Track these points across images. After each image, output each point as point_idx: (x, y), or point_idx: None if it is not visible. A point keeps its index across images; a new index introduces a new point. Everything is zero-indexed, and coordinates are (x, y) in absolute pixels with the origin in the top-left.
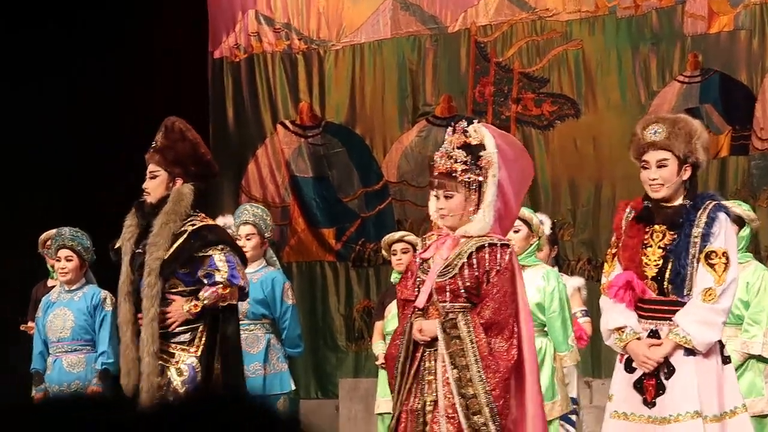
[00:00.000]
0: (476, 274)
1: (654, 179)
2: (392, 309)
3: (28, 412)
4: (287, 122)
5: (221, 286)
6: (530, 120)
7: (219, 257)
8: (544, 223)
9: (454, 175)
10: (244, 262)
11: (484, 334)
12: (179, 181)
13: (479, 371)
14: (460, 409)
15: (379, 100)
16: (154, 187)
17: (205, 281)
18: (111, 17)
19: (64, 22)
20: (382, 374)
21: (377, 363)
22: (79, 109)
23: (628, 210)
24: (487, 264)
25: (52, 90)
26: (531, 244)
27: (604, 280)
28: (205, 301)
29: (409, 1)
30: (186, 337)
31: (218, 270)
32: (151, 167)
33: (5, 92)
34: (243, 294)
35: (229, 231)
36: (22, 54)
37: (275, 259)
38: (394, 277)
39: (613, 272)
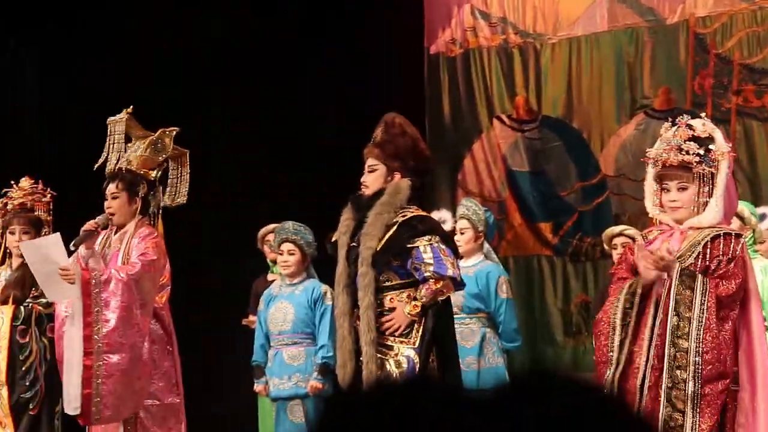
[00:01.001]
0: (709, 264)
1: None
2: None
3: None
4: (503, 116)
5: (432, 280)
6: (751, 112)
7: (424, 249)
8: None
9: (688, 167)
10: (456, 254)
11: (716, 302)
12: (397, 175)
13: (699, 330)
14: (667, 358)
15: (596, 94)
16: (372, 180)
17: (416, 275)
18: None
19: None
20: None
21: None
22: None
23: None
24: (721, 253)
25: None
26: (745, 237)
27: None
28: (423, 299)
29: None
30: (404, 328)
31: (424, 263)
32: (370, 161)
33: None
34: (458, 284)
35: (444, 225)
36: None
37: (494, 253)
38: None
39: None
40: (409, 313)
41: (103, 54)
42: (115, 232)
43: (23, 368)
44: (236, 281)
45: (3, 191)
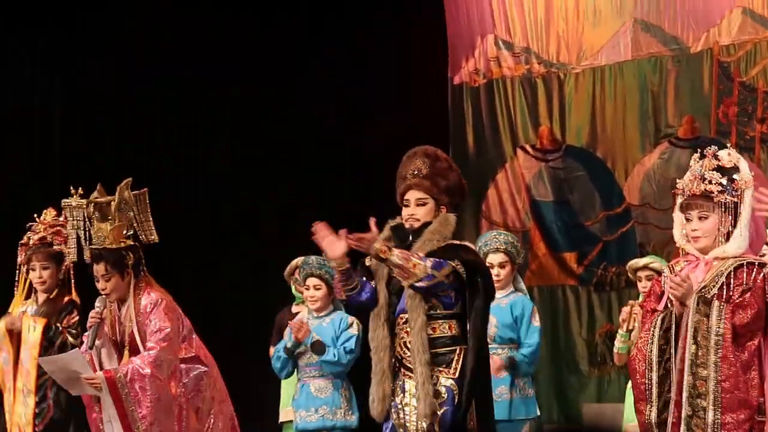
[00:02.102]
0: (732, 294)
1: None
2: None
3: None
4: (527, 146)
5: (419, 259)
6: None
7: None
8: None
9: (710, 196)
10: (489, 295)
11: (731, 329)
12: (444, 210)
13: (717, 358)
14: (687, 386)
15: (620, 123)
16: (423, 214)
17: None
18: (349, 38)
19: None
20: (629, 399)
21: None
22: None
23: None
24: (744, 283)
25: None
26: None
27: None
28: (396, 254)
29: (649, 23)
30: (443, 359)
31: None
32: (417, 194)
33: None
34: (417, 281)
35: None
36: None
37: (522, 284)
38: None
39: None
40: (378, 247)
41: (103, 54)
42: (119, 308)
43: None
44: (260, 312)
45: (28, 225)
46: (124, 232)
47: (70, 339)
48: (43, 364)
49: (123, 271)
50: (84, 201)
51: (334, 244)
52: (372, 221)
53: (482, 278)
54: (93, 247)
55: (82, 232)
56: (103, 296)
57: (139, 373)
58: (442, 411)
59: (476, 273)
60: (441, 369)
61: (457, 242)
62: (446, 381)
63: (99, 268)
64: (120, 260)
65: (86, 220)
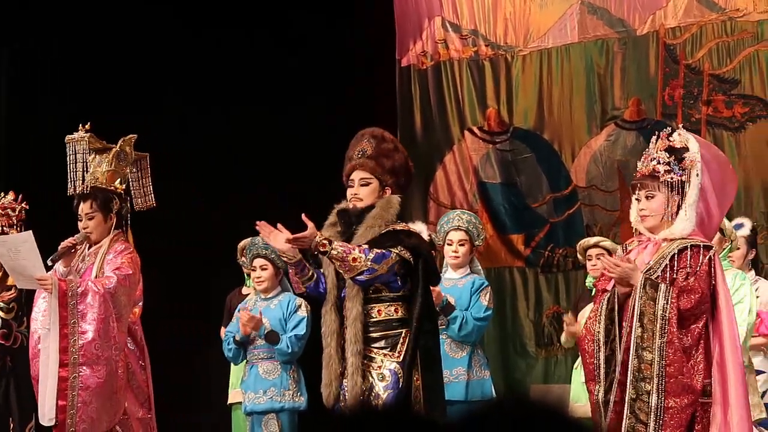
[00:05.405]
0: (676, 276)
1: None
2: (585, 313)
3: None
4: (475, 128)
5: (360, 251)
6: (721, 122)
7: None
8: (744, 225)
9: (656, 175)
10: (426, 277)
11: (677, 313)
12: (388, 191)
13: (662, 342)
14: (631, 369)
15: (567, 105)
16: (366, 194)
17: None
18: (297, 23)
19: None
20: (576, 379)
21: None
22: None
23: None
24: (686, 266)
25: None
26: (723, 249)
27: None
28: (336, 249)
29: (596, 5)
30: (388, 342)
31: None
32: (361, 174)
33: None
34: (357, 275)
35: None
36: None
37: (479, 267)
38: (589, 282)
39: None
40: (318, 241)
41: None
42: (89, 247)
43: None
44: (210, 294)
45: None
46: (117, 180)
47: (1, 313)
48: None
49: (107, 213)
50: (87, 135)
51: (277, 237)
52: (305, 217)
53: (423, 262)
54: (82, 185)
55: (80, 165)
56: (83, 233)
57: (93, 290)
58: (386, 394)
59: (418, 256)
60: (386, 352)
61: (400, 227)
62: (390, 364)
63: (85, 206)
64: (106, 202)
65: (84, 153)
